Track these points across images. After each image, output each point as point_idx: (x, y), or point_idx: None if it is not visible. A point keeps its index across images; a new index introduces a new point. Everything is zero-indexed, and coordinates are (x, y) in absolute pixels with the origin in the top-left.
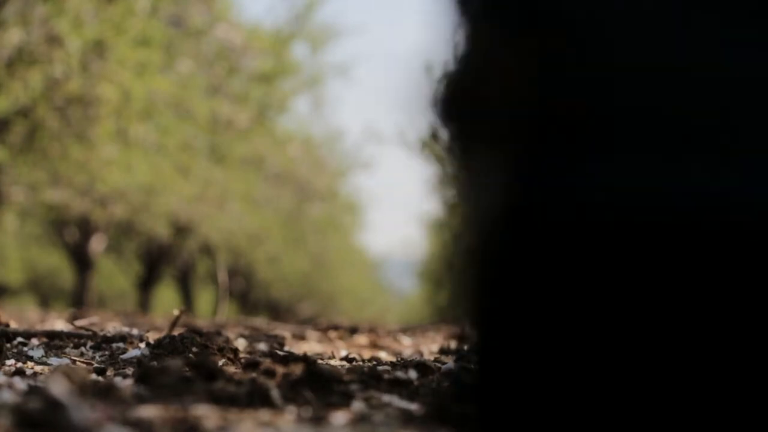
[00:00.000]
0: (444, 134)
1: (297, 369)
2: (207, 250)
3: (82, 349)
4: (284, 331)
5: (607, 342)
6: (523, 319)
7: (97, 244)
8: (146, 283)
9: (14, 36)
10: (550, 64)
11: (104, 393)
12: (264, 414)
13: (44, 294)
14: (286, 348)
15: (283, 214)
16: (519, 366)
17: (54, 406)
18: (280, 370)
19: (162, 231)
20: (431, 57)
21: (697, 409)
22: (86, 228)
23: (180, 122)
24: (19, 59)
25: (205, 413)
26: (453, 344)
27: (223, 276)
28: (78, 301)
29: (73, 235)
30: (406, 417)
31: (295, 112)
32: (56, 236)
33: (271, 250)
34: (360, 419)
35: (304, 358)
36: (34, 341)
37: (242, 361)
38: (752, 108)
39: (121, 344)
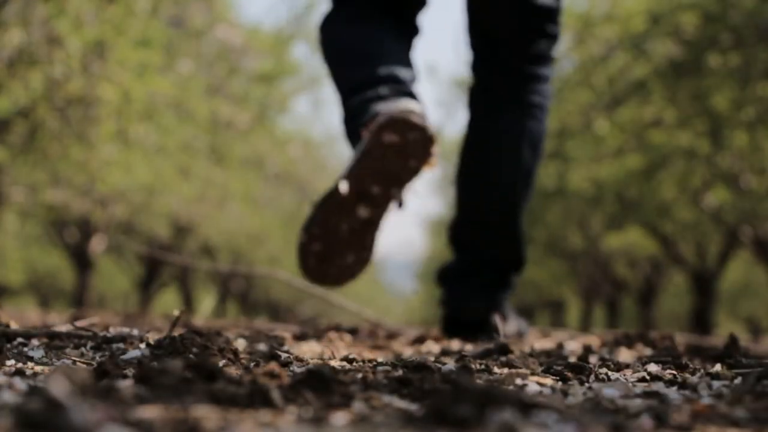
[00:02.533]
0: None
1: (297, 370)
2: (207, 251)
3: (83, 349)
4: (284, 331)
5: None
6: None
7: (97, 245)
8: (146, 284)
9: (15, 37)
10: None
11: (104, 393)
12: (264, 414)
13: (44, 294)
14: (286, 348)
15: (283, 214)
16: None
17: (54, 406)
18: (280, 370)
19: (162, 231)
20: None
21: None
22: (86, 228)
23: (180, 123)
24: (20, 60)
25: (206, 414)
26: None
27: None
28: (78, 301)
29: (73, 235)
30: (407, 418)
31: (295, 113)
32: (56, 236)
33: (271, 250)
34: (360, 420)
35: (305, 359)
36: (34, 342)
37: (242, 361)
38: None
39: (121, 345)
